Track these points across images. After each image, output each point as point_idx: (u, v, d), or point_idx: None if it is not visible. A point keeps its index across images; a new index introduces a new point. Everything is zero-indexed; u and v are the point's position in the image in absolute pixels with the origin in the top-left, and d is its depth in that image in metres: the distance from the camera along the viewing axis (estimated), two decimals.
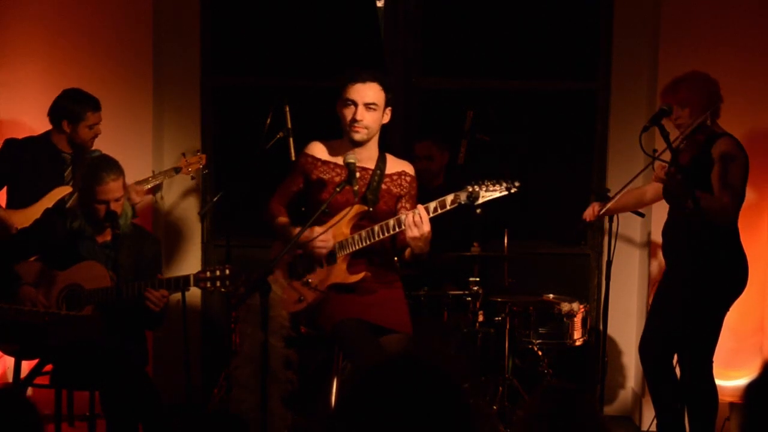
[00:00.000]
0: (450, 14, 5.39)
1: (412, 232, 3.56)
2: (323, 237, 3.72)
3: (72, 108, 4.44)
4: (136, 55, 5.03)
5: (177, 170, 4.69)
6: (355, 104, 3.70)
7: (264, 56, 5.40)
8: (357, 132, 3.71)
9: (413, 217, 3.56)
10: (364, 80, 3.70)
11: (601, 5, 5.22)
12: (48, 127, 4.54)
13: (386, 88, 3.75)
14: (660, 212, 4.45)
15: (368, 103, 3.70)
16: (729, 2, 4.87)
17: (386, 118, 3.79)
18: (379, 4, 5.35)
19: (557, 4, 5.35)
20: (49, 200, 4.38)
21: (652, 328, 4.28)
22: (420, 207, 3.59)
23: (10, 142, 4.57)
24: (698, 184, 3.92)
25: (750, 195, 4.24)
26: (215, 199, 5.01)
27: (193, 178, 4.87)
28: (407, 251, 3.73)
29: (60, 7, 5.00)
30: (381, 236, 3.66)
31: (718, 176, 3.97)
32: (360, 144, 3.74)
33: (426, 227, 3.56)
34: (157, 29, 5.09)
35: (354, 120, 3.70)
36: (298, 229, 3.65)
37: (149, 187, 4.62)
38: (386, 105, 3.76)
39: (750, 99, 4.81)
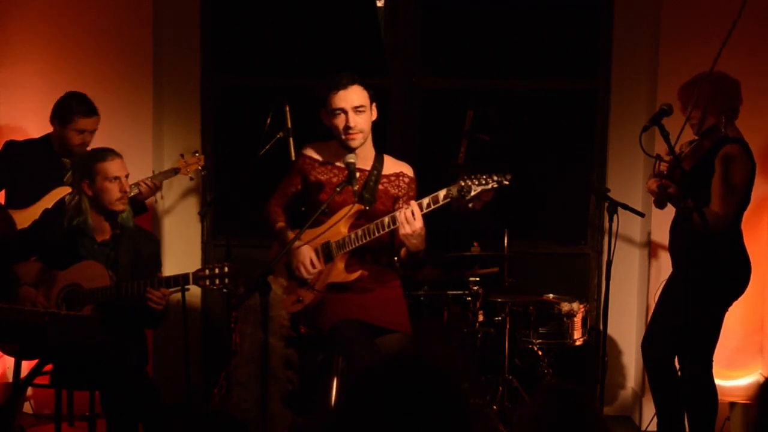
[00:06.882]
0: (450, 14, 5.38)
1: (405, 229, 3.56)
2: (313, 263, 3.72)
3: (63, 109, 4.41)
4: (136, 54, 5.02)
5: (176, 171, 4.69)
6: (344, 111, 3.67)
7: (264, 56, 5.40)
8: (353, 139, 3.70)
9: (405, 214, 3.56)
10: (345, 86, 3.67)
11: (601, 5, 5.22)
12: (47, 127, 4.53)
13: (367, 86, 3.73)
14: (660, 212, 4.45)
15: (356, 106, 3.67)
16: (729, 2, 4.86)
17: (374, 115, 3.77)
18: (379, 3, 5.35)
19: (557, 4, 5.35)
20: (49, 200, 4.37)
21: (656, 326, 4.28)
22: (413, 203, 3.59)
23: (10, 144, 4.56)
24: (699, 192, 3.90)
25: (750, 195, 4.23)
26: (214, 200, 4.99)
27: (191, 179, 4.86)
28: (403, 250, 3.73)
29: (60, 7, 4.99)
30: (377, 233, 3.66)
31: (717, 184, 3.96)
32: (356, 149, 3.72)
33: (418, 224, 3.55)
34: (157, 29, 5.08)
35: (348, 128, 3.68)
36: (294, 232, 3.65)
37: (157, 181, 4.60)
38: (371, 102, 3.75)
39: (750, 99, 4.79)
